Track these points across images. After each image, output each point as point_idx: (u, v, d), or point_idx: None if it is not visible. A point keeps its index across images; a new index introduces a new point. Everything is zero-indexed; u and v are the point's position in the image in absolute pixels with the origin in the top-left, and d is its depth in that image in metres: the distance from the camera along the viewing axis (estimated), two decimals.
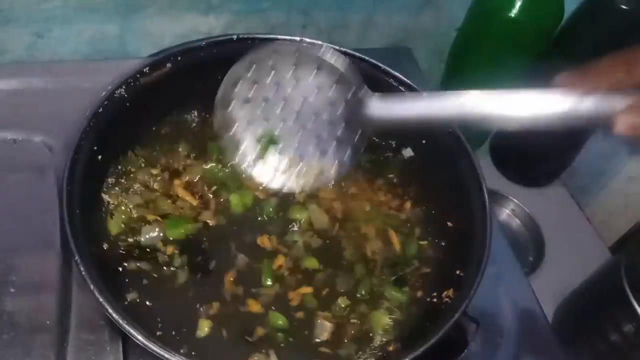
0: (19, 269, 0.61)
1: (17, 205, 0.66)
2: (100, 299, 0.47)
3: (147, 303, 0.56)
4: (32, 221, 0.65)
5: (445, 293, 0.57)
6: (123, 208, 0.61)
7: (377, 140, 0.71)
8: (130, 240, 0.59)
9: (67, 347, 0.57)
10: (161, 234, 0.60)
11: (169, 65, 0.64)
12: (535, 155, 1.03)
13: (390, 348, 0.56)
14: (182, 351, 0.52)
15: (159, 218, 0.61)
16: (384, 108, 0.50)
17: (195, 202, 0.63)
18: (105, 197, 0.61)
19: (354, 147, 0.51)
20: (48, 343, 0.57)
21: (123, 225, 0.60)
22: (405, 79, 0.67)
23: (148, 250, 0.59)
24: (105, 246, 0.57)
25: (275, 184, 0.54)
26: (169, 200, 0.62)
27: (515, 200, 1.01)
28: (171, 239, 0.60)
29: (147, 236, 0.59)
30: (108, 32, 0.84)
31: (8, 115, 0.73)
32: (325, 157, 0.52)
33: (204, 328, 0.55)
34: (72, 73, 0.79)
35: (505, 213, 1.00)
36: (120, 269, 0.57)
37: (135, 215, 0.61)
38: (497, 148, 1.05)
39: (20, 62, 0.83)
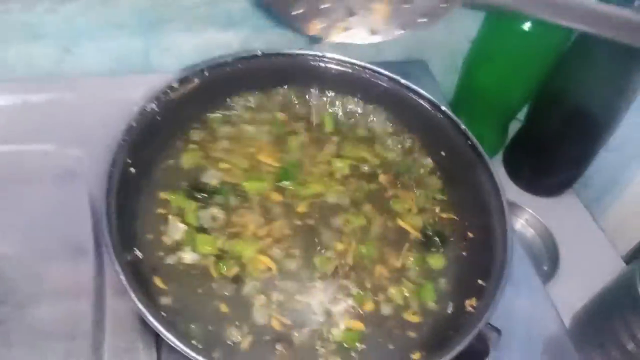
0: (53, 277, 0.64)
1: (49, 214, 0.69)
2: (140, 307, 0.49)
3: (180, 308, 0.57)
4: (64, 230, 0.68)
5: (467, 302, 0.58)
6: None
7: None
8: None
9: (103, 354, 0.59)
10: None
11: (196, 80, 0.66)
12: (548, 165, 1.04)
13: (414, 357, 0.57)
14: (215, 356, 0.54)
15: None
16: None
17: None
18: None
19: None
20: (84, 350, 0.59)
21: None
22: (425, 93, 0.69)
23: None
24: (139, 255, 0.59)
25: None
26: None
27: (529, 210, 1.02)
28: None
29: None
30: (133, 48, 0.87)
31: (38, 128, 0.76)
32: None
33: (237, 335, 0.57)
34: (99, 87, 0.82)
35: (519, 223, 1.01)
36: (154, 276, 0.58)
37: None
38: (511, 158, 1.06)
39: (50, 77, 0.85)
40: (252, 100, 0.73)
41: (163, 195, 0.64)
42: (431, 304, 0.61)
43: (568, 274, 0.96)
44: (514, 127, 1.08)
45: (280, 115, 0.73)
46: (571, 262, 0.97)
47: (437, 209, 0.68)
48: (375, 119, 0.74)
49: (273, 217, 0.64)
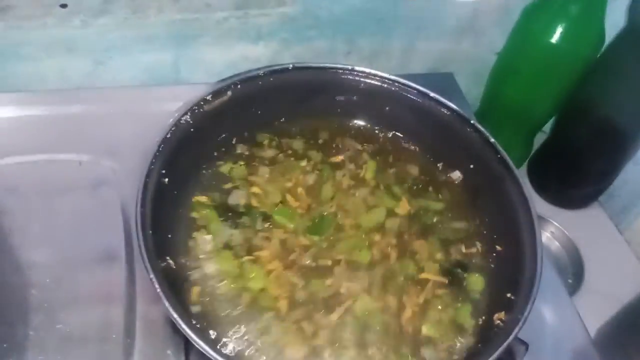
0: (86, 284, 0.65)
1: (82, 223, 0.71)
2: (173, 314, 0.50)
3: (210, 315, 0.58)
4: (97, 238, 0.69)
5: (496, 316, 0.58)
6: None
7: (430, 159, 0.74)
8: None
9: (134, 359, 0.60)
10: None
11: (229, 93, 0.68)
12: (574, 177, 1.04)
13: None
14: None
15: None
16: None
17: None
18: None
19: None
20: (115, 355, 0.60)
21: None
22: (454, 106, 0.69)
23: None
24: (171, 262, 0.60)
25: None
26: None
27: (554, 222, 1.02)
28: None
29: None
30: (163, 60, 0.89)
31: (72, 138, 0.78)
32: None
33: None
34: (132, 99, 0.84)
35: (544, 236, 1.01)
36: (185, 284, 0.60)
37: None
38: (536, 170, 1.06)
39: (82, 88, 0.87)
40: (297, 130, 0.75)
41: (194, 208, 0.65)
42: (467, 327, 0.61)
43: (593, 288, 0.95)
44: (539, 139, 1.08)
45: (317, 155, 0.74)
46: (596, 276, 0.96)
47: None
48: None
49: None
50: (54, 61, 0.85)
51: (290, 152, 0.73)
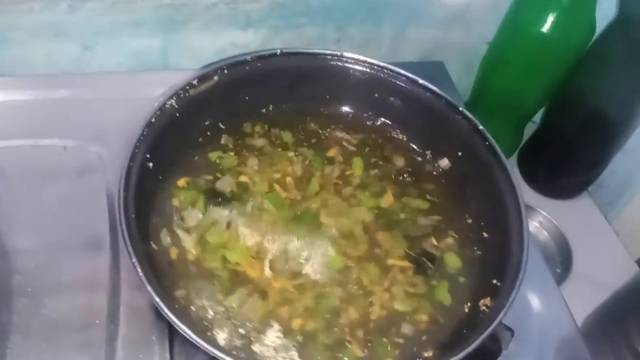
0: (70, 270, 0.65)
1: (67, 209, 0.70)
2: (156, 298, 0.50)
3: (195, 300, 0.58)
4: (82, 224, 0.69)
5: (482, 302, 0.58)
6: None
7: (415, 147, 0.73)
8: None
9: (117, 345, 0.60)
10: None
11: (216, 78, 0.67)
12: (563, 167, 1.04)
13: (427, 355, 0.57)
14: (234, 353, 0.54)
15: None
16: None
17: None
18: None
19: None
20: (99, 341, 0.60)
21: None
22: (443, 94, 0.69)
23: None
24: (155, 247, 0.59)
25: None
26: None
27: (543, 212, 1.02)
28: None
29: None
30: (151, 46, 0.88)
31: (58, 124, 0.77)
32: None
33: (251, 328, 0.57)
34: (119, 84, 0.83)
35: (533, 225, 1.01)
36: (169, 268, 0.59)
37: None
38: (526, 160, 1.06)
39: (69, 74, 0.86)
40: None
41: (181, 186, 0.65)
42: (446, 304, 0.62)
43: (581, 277, 0.95)
44: (529, 129, 1.08)
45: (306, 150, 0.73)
46: (584, 265, 0.97)
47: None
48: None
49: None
50: (41, 46, 0.84)
51: (278, 142, 0.73)
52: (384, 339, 0.59)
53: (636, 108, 0.94)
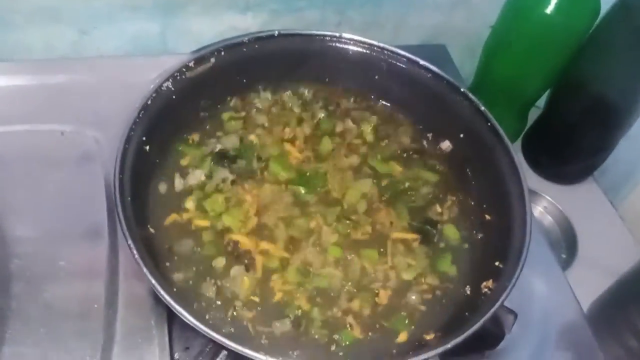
0: (67, 256, 0.64)
1: (66, 196, 0.69)
2: (152, 280, 0.49)
3: (193, 284, 0.57)
4: (80, 212, 0.68)
5: (484, 284, 0.57)
6: None
7: (420, 128, 0.73)
8: None
9: (115, 332, 0.60)
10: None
11: (213, 60, 0.66)
12: (567, 152, 1.03)
13: (429, 337, 0.57)
14: (224, 331, 0.54)
15: None
16: None
17: None
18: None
19: None
20: (96, 328, 0.59)
21: None
22: (444, 75, 0.68)
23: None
24: (152, 231, 0.59)
25: None
26: None
27: (547, 197, 1.01)
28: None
29: None
30: (150, 30, 0.87)
31: (55, 108, 0.76)
32: None
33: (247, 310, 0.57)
34: (117, 69, 0.82)
35: (537, 210, 1.00)
36: (167, 251, 0.59)
37: None
38: (530, 145, 1.05)
39: (67, 58, 0.85)
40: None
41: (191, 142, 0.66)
42: (448, 285, 0.61)
43: (586, 262, 0.94)
44: (533, 114, 1.07)
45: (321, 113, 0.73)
46: (589, 250, 0.96)
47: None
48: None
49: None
50: (39, 30, 0.83)
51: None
52: (385, 323, 0.58)
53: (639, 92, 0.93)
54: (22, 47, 0.84)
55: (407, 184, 0.68)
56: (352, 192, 0.66)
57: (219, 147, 0.67)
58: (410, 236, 0.64)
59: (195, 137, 0.68)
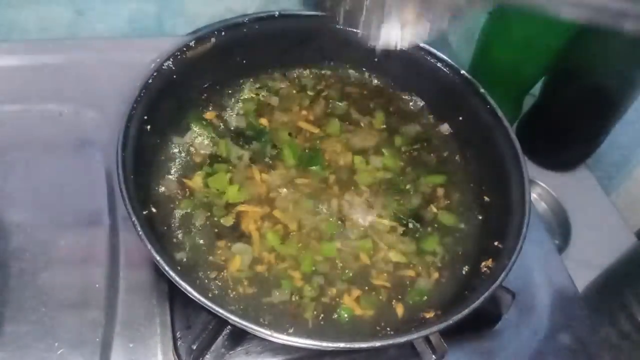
0: (66, 246, 0.63)
1: (64, 182, 0.68)
2: (157, 257, 0.49)
3: (195, 263, 0.57)
4: (79, 195, 0.67)
5: (484, 263, 0.58)
6: None
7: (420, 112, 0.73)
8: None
9: (117, 311, 0.60)
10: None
11: (213, 40, 0.66)
12: (562, 139, 1.04)
13: (428, 315, 0.57)
14: (232, 308, 0.54)
15: None
16: None
17: None
18: None
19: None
20: (97, 307, 0.59)
21: None
22: (443, 56, 0.68)
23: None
24: (154, 210, 0.59)
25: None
26: None
27: (542, 184, 1.02)
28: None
29: None
30: (146, 11, 0.86)
31: (53, 89, 0.76)
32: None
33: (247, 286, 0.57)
34: (113, 50, 0.81)
35: (532, 197, 1.00)
36: (169, 231, 0.59)
37: None
38: (524, 132, 1.06)
39: (63, 39, 0.85)
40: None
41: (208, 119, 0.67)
42: (445, 260, 0.62)
43: (579, 248, 0.96)
44: (528, 102, 1.07)
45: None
46: (583, 237, 0.97)
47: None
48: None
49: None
50: (34, 11, 0.83)
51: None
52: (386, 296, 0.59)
53: (634, 80, 0.93)
54: (17, 28, 0.84)
55: (407, 186, 0.67)
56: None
57: (232, 126, 0.68)
58: (394, 224, 0.64)
59: (209, 114, 0.68)
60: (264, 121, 0.69)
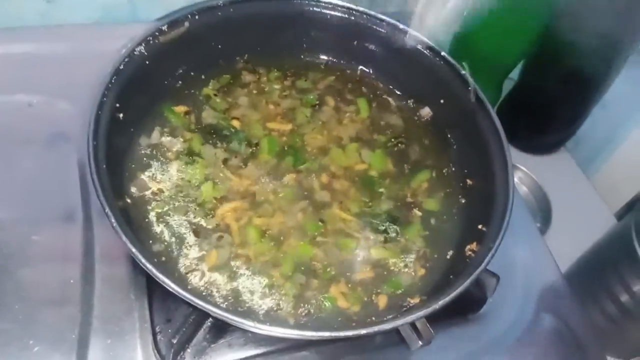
0: (41, 242, 0.61)
1: (37, 177, 0.66)
2: (133, 250, 0.47)
3: (172, 255, 0.56)
4: (51, 189, 0.65)
5: (468, 247, 0.57)
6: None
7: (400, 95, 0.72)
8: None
9: (93, 306, 0.57)
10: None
11: (187, 24, 0.64)
12: (541, 123, 1.04)
13: (413, 301, 0.56)
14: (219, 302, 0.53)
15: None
16: None
17: None
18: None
19: None
20: (74, 302, 0.57)
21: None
22: (425, 39, 0.67)
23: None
24: (129, 201, 0.57)
25: None
26: None
27: (522, 167, 1.02)
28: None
29: None
30: None
31: (22, 79, 0.73)
32: None
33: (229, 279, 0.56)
34: (85, 37, 0.79)
35: None
36: (145, 223, 0.57)
37: None
38: (504, 116, 1.04)
39: (33, 26, 0.81)
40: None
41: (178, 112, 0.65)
42: (429, 251, 0.61)
43: (560, 231, 0.96)
44: (507, 86, 1.07)
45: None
46: (563, 219, 0.97)
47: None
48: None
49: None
50: None
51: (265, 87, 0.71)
52: (369, 288, 0.58)
53: (612, 63, 0.93)
54: None
55: (387, 181, 0.66)
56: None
57: (203, 122, 0.66)
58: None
59: (179, 108, 0.66)
60: (235, 120, 0.67)
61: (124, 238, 0.47)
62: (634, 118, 1.05)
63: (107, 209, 0.48)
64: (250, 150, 0.64)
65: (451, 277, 0.56)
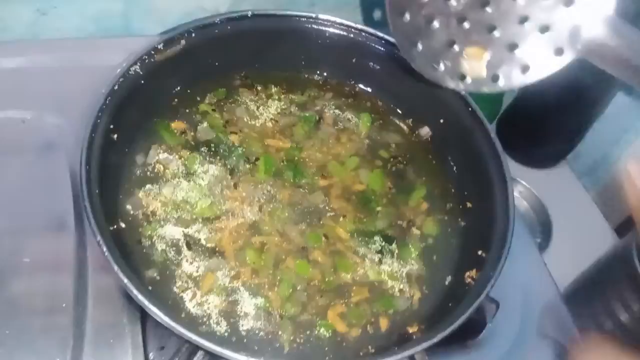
0: (32, 251, 0.60)
1: (29, 186, 0.65)
2: (123, 278, 0.46)
3: (166, 280, 0.55)
4: (43, 201, 0.64)
5: (468, 274, 0.56)
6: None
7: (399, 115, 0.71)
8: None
9: (85, 330, 0.56)
10: None
11: (183, 42, 0.63)
12: (541, 136, 1.03)
13: (412, 330, 0.55)
14: (201, 330, 0.52)
15: None
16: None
17: None
18: None
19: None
20: (65, 326, 0.56)
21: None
22: None
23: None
24: (122, 225, 0.56)
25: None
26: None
27: (522, 182, 1.01)
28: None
29: None
30: (112, 9, 0.82)
31: (14, 94, 0.72)
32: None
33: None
34: (77, 51, 0.78)
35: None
36: (138, 247, 0.56)
37: None
38: (504, 129, 1.04)
39: (24, 40, 0.80)
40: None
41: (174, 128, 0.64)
42: (426, 274, 0.60)
43: (561, 246, 0.95)
44: (507, 99, 1.06)
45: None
46: (564, 234, 0.96)
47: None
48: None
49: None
50: None
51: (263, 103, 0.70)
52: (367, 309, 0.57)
53: (613, 76, 0.93)
54: None
55: (384, 200, 0.65)
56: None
57: (200, 139, 0.65)
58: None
59: (176, 125, 0.65)
60: (233, 134, 0.66)
61: (115, 268, 0.46)
62: (635, 130, 1.04)
63: (98, 238, 0.47)
64: (249, 166, 0.63)
65: (450, 304, 0.55)
